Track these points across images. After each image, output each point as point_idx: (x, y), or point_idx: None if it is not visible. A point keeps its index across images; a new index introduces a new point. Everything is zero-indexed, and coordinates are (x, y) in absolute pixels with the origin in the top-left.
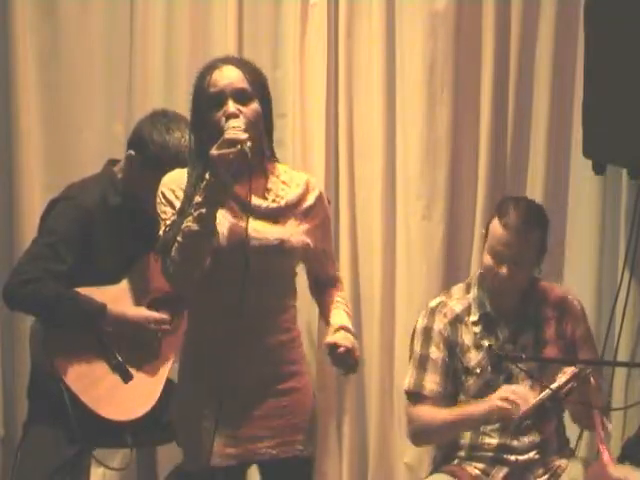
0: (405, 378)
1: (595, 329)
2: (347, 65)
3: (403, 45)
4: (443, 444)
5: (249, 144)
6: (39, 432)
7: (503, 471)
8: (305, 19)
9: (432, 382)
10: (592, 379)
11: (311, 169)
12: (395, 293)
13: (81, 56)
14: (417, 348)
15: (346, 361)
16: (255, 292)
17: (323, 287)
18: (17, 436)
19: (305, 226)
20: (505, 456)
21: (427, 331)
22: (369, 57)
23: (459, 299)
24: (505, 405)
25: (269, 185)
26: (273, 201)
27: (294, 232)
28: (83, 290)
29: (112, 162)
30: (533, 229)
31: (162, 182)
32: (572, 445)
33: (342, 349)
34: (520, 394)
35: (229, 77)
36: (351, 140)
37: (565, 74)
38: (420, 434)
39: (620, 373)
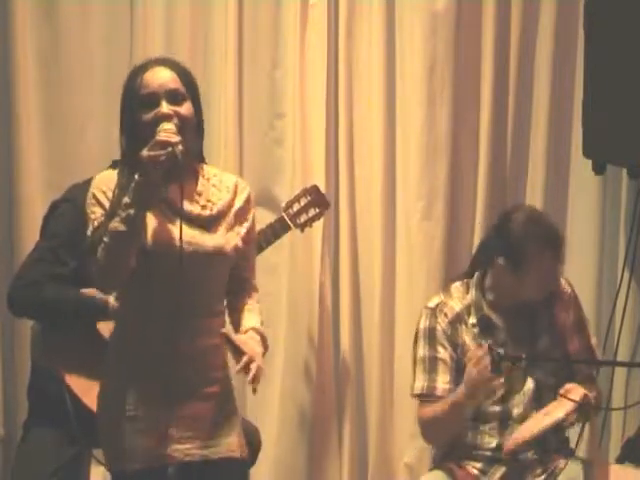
0: (414, 382)
1: (595, 329)
2: (347, 65)
3: (403, 45)
4: (455, 433)
5: (180, 147)
6: (39, 432)
7: (501, 470)
8: (305, 19)
9: (444, 382)
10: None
11: (311, 169)
12: (395, 293)
13: (81, 56)
14: (423, 350)
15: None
16: (187, 297)
17: (235, 292)
18: (17, 436)
19: (237, 230)
20: (503, 455)
21: (431, 332)
22: (369, 57)
23: (459, 298)
24: (475, 364)
25: (199, 188)
26: (204, 207)
27: (227, 239)
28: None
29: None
30: None
31: (93, 183)
32: (572, 444)
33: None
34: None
35: (162, 78)
36: (351, 140)
37: (565, 74)
38: (433, 430)
39: (620, 373)
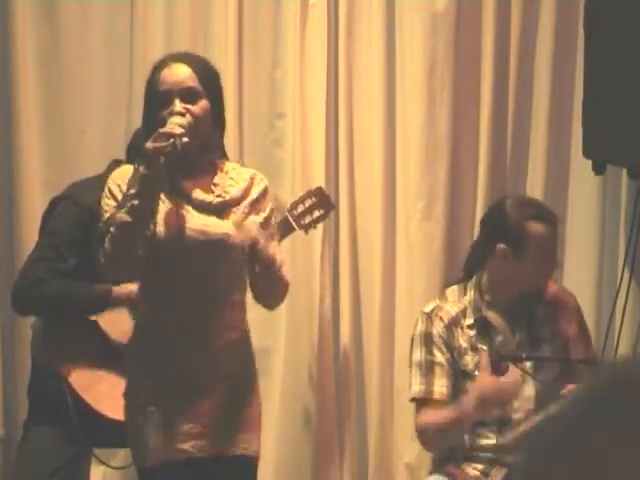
0: (411, 386)
1: (595, 328)
2: (347, 65)
3: (403, 45)
4: (454, 442)
5: (184, 139)
6: (39, 432)
7: (502, 472)
8: (305, 19)
9: (441, 386)
10: None
11: (311, 169)
12: (395, 293)
13: (81, 56)
14: (420, 354)
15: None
16: (198, 287)
17: None
18: (17, 436)
19: (252, 219)
20: (504, 457)
21: (427, 336)
22: (369, 57)
23: (454, 302)
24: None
25: (216, 180)
26: (218, 196)
27: (237, 227)
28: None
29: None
30: None
31: (110, 177)
32: None
33: None
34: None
35: (178, 75)
36: (351, 140)
37: (565, 74)
38: (432, 438)
39: None
